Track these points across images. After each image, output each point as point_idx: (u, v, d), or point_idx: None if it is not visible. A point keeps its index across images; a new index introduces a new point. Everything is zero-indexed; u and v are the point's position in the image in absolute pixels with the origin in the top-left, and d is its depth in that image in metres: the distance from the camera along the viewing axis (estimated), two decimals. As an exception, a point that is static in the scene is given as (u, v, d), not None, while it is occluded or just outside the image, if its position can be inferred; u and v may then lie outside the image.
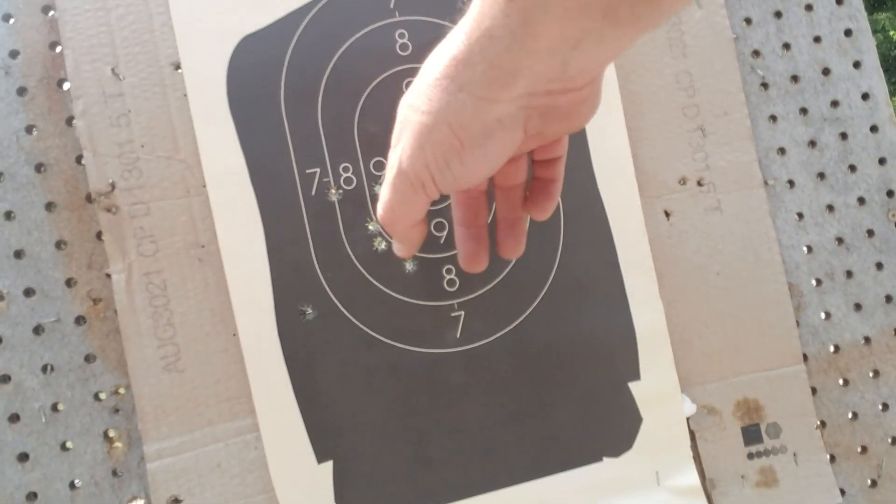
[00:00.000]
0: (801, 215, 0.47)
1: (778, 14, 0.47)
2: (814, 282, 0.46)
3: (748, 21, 0.47)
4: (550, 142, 0.30)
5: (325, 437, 0.42)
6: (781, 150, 0.47)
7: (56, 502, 0.40)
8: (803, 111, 0.47)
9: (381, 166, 0.43)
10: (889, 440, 0.46)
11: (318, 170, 0.42)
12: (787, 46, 0.47)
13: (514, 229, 0.34)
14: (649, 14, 0.22)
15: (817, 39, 0.47)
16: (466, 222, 0.34)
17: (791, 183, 0.47)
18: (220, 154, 0.42)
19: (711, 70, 0.46)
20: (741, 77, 0.46)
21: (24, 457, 0.40)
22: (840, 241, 0.47)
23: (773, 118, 0.47)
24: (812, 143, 0.47)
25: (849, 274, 0.47)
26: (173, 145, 0.42)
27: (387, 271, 0.43)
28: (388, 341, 0.43)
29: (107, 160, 0.41)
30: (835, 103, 0.47)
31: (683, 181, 0.46)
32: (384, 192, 0.30)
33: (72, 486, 0.41)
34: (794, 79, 0.47)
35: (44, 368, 0.41)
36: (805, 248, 0.47)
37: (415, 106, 0.27)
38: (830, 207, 0.47)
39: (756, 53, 0.47)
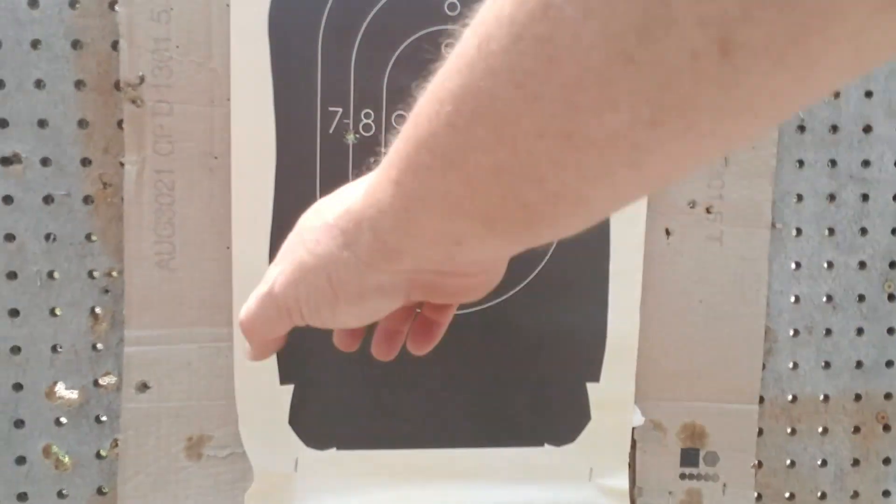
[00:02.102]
0: (798, 265, 0.47)
1: (837, 59, 0.46)
2: (791, 331, 0.47)
3: (805, 59, 0.46)
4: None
5: (291, 362, 0.44)
6: (799, 197, 0.47)
7: (37, 360, 0.43)
8: (832, 163, 0.47)
9: (402, 120, 0.43)
10: (818, 494, 0.48)
11: (340, 109, 0.43)
12: (836, 94, 0.46)
13: (390, 341, 0.34)
14: (528, 237, 0.20)
15: (868, 94, 0.46)
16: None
17: (798, 231, 0.47)
18: (250, 72, 0.42)
19: (753, 100, 0.45)
20: (780, 115, 0.45)
21: (14, 313, 0.43)
22: (829, 298, 0.47)
23: (801, 163, 0.46)
24: (831, 197, 0.47)
25: (828, 332, 0.47)
26: (207, 52, 0.42)
27: (384, 223, 0.44)
28: (371, 289, 0.44)
29: (141, 53, 0.41)
30: (866, 163, 0.46)
31: (693, 204, 0.46)
32: (250, 301, 0.29)
33: (54, 349, 0.44)
34: (834, 128, 0.46)
35: (47, 237, 0.43)
36: (793, 298, 0.47)
37: (304, 239, 0.26)
38: (830, 264, 0.47)
39: (803, 94, 0.46)
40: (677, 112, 0.15)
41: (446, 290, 0.26)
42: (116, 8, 0.42)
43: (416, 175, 0.20)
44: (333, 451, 0.46)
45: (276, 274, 0.28)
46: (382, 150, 0.43)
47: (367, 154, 0.43)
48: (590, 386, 0.46)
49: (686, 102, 0.15)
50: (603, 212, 0.19)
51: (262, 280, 0.29)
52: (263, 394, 0.44)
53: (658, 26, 0.14)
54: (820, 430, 0.48)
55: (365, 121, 0.43)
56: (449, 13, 0.43)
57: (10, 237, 0.43)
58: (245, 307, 0.30)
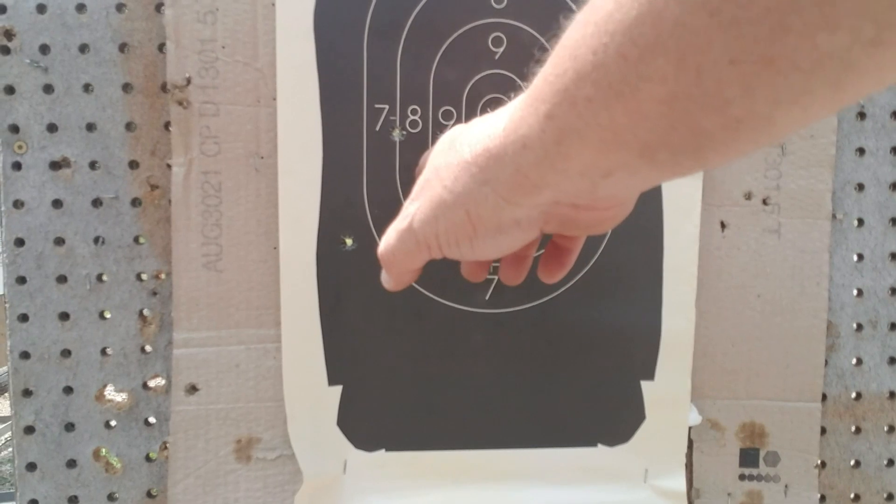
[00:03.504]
0: (860, 256, 0.45)
1: (897, 42, 0.44)
2: (854, 326, 0.45)
3: (863, 43, 0.44)
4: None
5: (339, 363, 0.44)
6: (860, 186, 0.45)
7: (87, 363, 0.43)
8: (895, 150, 0.45)
9: (449, 115, 0.43)
10: (885, 495, 0.46)
11: (386, 106, 0.42)
12: (897, 79, 0.44)
13: (518, 266, 0.34)
14: (691, 163, 0.20)
15: (932, 78, 0.44)
16: None
17: (860, 221, 0.45)
18: (296, 71, 0.42)
19: (809, 87, 0.44)
20: (839, 101, 0.44)
21: (65, 316, 0.43)
22: (894, 291, 0.45)
23: (861, 151, 0.45)
24: (894, 186, 0.45)
25: (893, 326, 0.45)
26: (253, 52, 0.42)
27: (432, 221, 0.43)
28: (418, 288, 0.44)
29: (187, 54, 0.41)
30: (930, 150, 0.45)
31: (749, 196, 0.44)
32: (390, 234, 0.31)
33: (103, 352, 0.44)
34: (895, 115, 0.45)
35: (96, 240, 0.43)
36: (855, 291, 0.45)
37: (441, 176, 0.27)
38: (894, 255, 0.45)
39: (862, 80, 0.44)
40: None
41: (579, 222, 0.27)
42: (163, 10, 0.42)
43: (574, 108, 0.20)
44: (382, 452, 0.45)
45: (414, 210, 0.29)
46: (430, 146, 0.43)
47: (413, 151, 0.43)
48: (644, 384, 0.45)
49: None
50: (783, 134, 0.19)
51: (399, 215, 0.30)
52: (312, 395, 0.44)
53: None
54: (886, 428, 0.46)
55: (411, 117, 0.42)
56: (495, 6, 0.42)
57: (59, 241, 0.43)
58: (384, 240, 0.31)
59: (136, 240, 0.43)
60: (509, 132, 0.23)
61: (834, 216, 0.45)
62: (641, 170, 0.21)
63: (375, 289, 0.44)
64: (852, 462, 0.46)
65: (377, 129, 0.42)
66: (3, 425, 2.26)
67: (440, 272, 0.44)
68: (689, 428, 0.45)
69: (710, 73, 0.17)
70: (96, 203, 0.43)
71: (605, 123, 0.20)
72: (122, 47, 0.42)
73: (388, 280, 0.34)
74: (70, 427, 0.44)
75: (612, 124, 0.19)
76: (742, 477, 0.45)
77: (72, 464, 0.44)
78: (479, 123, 0.27)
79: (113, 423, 0.44)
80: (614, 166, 0.21)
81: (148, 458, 0.44)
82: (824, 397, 0.45)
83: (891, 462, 0.46)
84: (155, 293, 0.44)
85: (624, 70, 0.18)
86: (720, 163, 0.20)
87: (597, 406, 0.45)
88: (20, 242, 0.42)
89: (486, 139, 0.24)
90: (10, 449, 0.43)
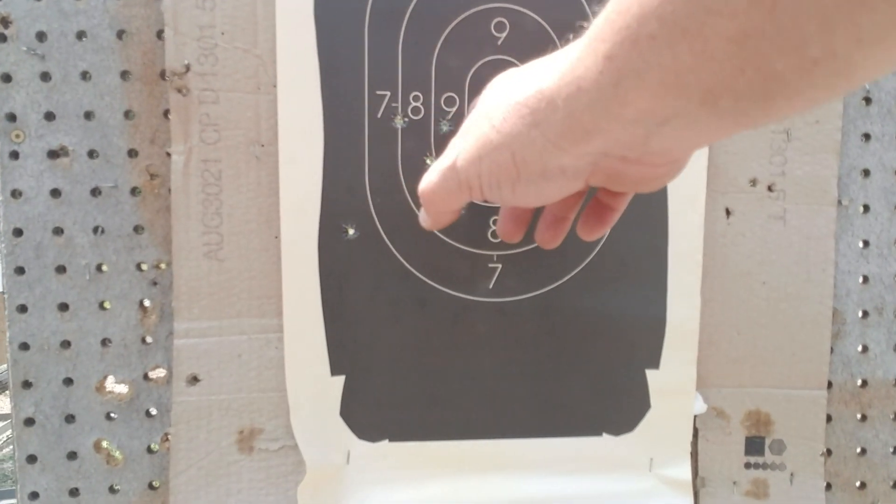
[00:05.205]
0: (866, 243, 0.45)
1: (903, 26, 0.44)
2: (860, 313, 0.45)
3: (869, 27, 0.44)
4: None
5: (342, 353, 0.43)
6: (865, 172, 0.45)
7: (87, 354, 0.43)
8: (901, 136, 0.44)
9: (451, 102, 0.42)
10: (891, 482, 0.46)
11: (388, 93, 0.42)
12: (903, 63, 0.44)
13: (557, 227, 0.34)
14: (754, 113, 0.19)
15: (938, 63, 0.44)
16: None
17: (866, 207, 0.45)
18: (297, 57, 0.41)
19: (815, 72, 0.43)
20: (844, 86, 0.43)
21: (64, 307, 0.43)
22: (900, 278, 0.45)
23: (867, 136, 0.44)
24: (900, 172, 0.45)
25: (899, 313, 0.45)
26: (253, 39, 0.41)
27: (435, 208, 0.43)
28: (421, 276, 0.43)
29: (186, 41, 0.41)
30: (937, 135, 0.44)
31: (754, 182, 0.44)
32: (433, 172, 0.30)
33: (103, 342, 0.43)
34: (901, 100, 0.44)
35: (95, 229, 0.43)
36: (861, 278, 0.45)
37: (490, 116, 0.26)
38: (900, 242, 0.45)
39: (867, 64, 0.44)
40: None
41: (627, 177, 0.26)
42: (161, -4, 0.41)
43: (636, 47, 0.19)
44: (386, 442, 0.45)
45: (459, 148, 0.28)
46: (432, 133, 0.42)
47: (416, 138, 0.42)
48: (649, 373, 0.44)
49: None
50: (862, 80, 0.17)
51: (443, 154, 0.30)
52: (314, 385, 0.43)
53: None
54: (892, 415, 0.46)
55: (413, 104, 0.42)
56: (497, -10, 0.41)
57: (58, 231, 0.42)
58: (426, 178, 0.31)
59: (135, 229, 0.43)
60: (565, 73, 0.22)
61: (839, 202, 0.44)
62: (701, 118, 0.20)
63: (378, 278, 0.43)
64: (858, 450, 0.46)
65: (379, 115, 0.42)
66: (3, 423, 2.26)
67: (444, 260, 0.43)
68: (695, 416, 0.45)
69: (787, 5, 0.15)
70: (95, 192, 0.42)
71: (667, 64, 0.18)
72: (120, 34, 0.42)
73: (426, 219, 0.34)
74: (70, 419, 0.43)
75: (675, 65, 0.18)
76: (747, 465, 0.45)
77: (72, 456, 0.43)
78: (534, 65, 0.26)
79: (114, 414, 0.44)
80: (672, 113, 0.20)
81: (149, 450, 0.44)
82: (830, 385, 0.45)
83: (897, 450, 0.46)
84: (155, 283, 0.43)
85: (692, 3, 0.17)
86: (787, 113, 0.19)
87: (601, 395, 0.45)
88: (18, 232, 0.42)
89: (540, 81, 0.24)
90: (11, 447, 0.43)
